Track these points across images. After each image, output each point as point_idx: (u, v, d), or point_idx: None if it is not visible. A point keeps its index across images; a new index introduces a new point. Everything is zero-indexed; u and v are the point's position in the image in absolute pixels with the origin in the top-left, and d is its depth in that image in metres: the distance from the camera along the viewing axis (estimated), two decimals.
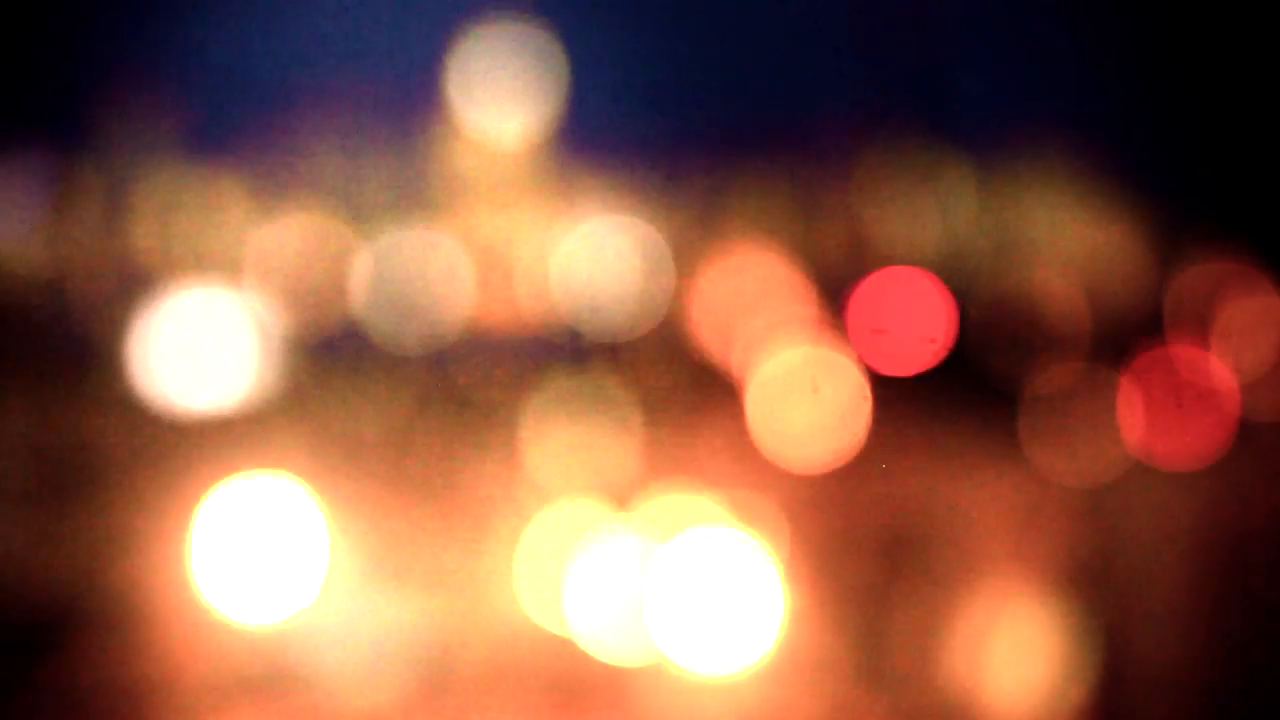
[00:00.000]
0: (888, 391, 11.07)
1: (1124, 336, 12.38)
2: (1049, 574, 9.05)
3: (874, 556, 9.57)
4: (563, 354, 12.20)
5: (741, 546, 9.78)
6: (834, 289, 12.93)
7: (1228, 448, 10.30)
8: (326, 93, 13.36)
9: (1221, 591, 8.44)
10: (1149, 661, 8.17)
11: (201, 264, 12.43)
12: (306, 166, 13.29)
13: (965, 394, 11.84)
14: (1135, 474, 9.94)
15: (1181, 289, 13.15)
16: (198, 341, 11.54)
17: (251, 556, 9.92)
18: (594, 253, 13.21)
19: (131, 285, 12.11)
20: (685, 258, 13.41)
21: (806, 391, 11.14)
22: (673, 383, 12.08)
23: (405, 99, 13.54)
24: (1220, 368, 11.71)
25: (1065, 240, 14.23)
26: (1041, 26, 14.10)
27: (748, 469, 10.54)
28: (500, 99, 13.68)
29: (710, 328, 12.55)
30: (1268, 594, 8.33)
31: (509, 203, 13.52)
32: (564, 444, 11.09)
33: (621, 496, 10.52)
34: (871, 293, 11.54)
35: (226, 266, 12.47)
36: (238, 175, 13.03)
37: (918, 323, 11.25)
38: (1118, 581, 8.58)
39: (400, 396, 11.60)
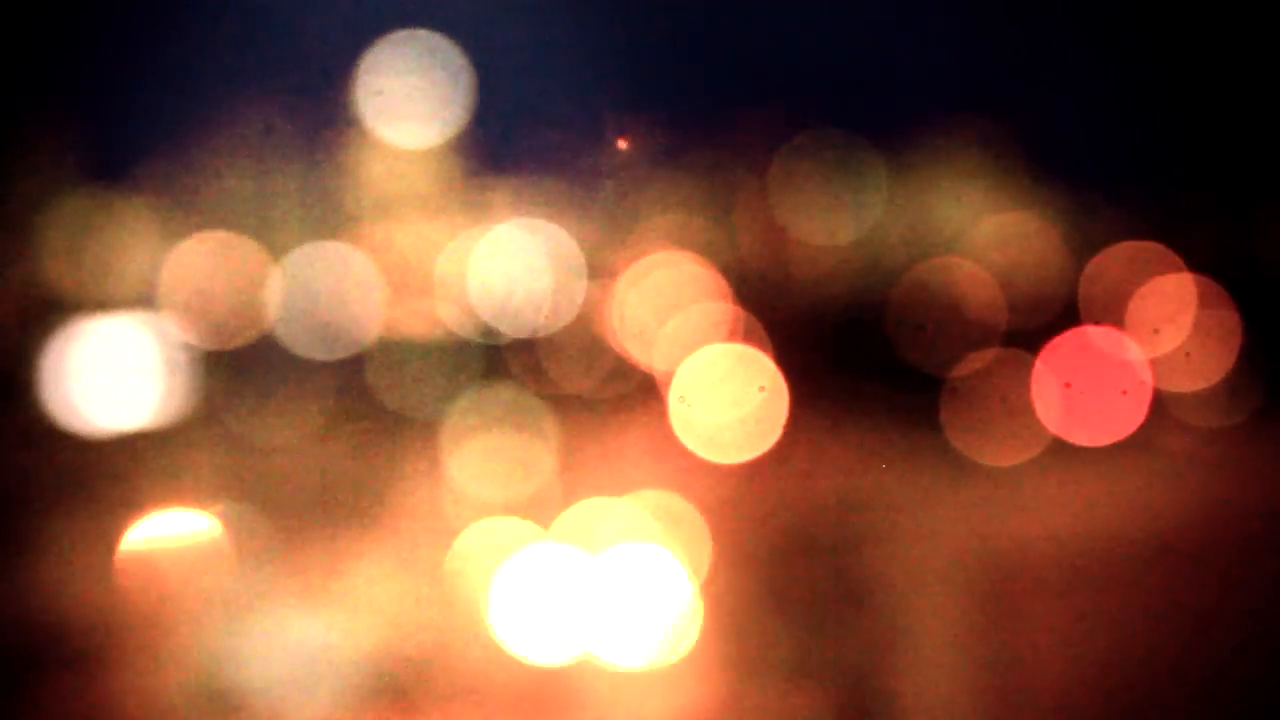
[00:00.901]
0: (806, 384, 11.08)
1: (1039, 320, 12.42)
2: (969, 557, 9.07)
3: (798, 551, 9.57)
4: (479, 358, 12.18)
5: (658, 553, 9.77)
6: (747, 285, 12.94)
7: (1141, 422, 10.36)
8: (235, 107, 13.30)
9: (1142, 562, 8.50)
10: (1068, 641, 8.20)
11: (112, 286, 12.36)
12: (215, 182, 13.23)
13: (885, 383, 11.87)
14: (1052, 452, 9.97)
15: (1094, 272, 13.22)
16: (111, 364, 11.46)
17: (174, 579, 9.86)
18: (507, 256, 13.19)
19: (42, 310, 12.02)
20: (600, 259, 13.40)
21: (716, 391, 11.14)
22: (590, 384, 12.06)
23: (313, 110, 13.49)
24: (1133, 346, 11.77)
25: (979, 226, 14.27)
26: (952, 12, 14.15)
27: (668, 468, 10.53)
28: (409, 107, 13.64)
29: (626, 328, 12.54)
30: (1187, 565, 8.39)
31: (421, 210, 13.49)
32: (484, 451, 11.06)
33: (543, 504, 10.50)
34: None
35: (138, 288, 12.39)
36: (146, 195, 12.95)
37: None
38: (1035, 561, 8.62)
39: (317, 407, 11.55)
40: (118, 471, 10.60)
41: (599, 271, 13.26)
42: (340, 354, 12.16)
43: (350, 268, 12.92)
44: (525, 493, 10.62)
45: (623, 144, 13.84)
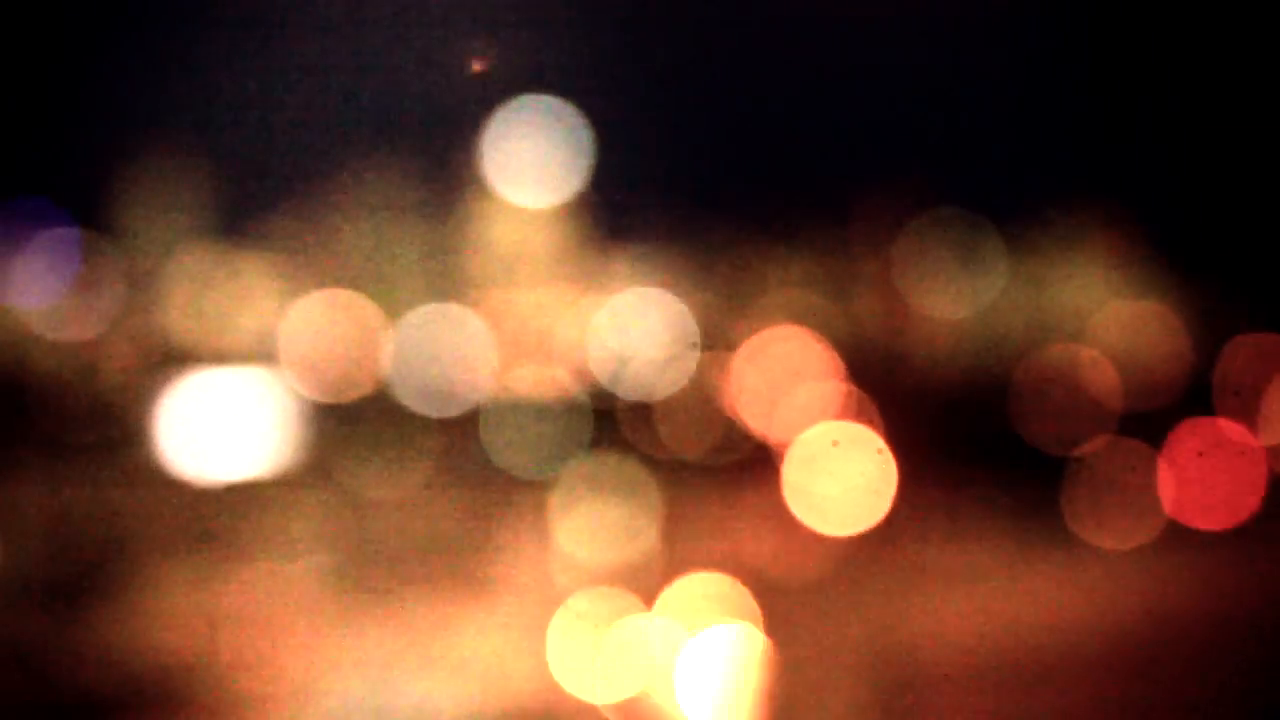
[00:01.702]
0: (915, 461, 11.02)
1: (1165, 407, 12.33)
2: (1095, 640, 8.97)
3: (917, 629, 9.47)
4: (592, 421, 12.17)
5: (750, 633, 9.70)
6: (865, 362, 12.88)
7: (1260, 508, 10.33)
8: (359, 167, 13.40)
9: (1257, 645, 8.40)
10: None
11: (231, 338, 12.45)
12: (337, 238, 13.31)
13: (1008, 464, 11.78)
14: (1172, 535, 9.93)
15: (1220, 360, 13.10)
16: (226, 415, 11.53)
17: (277, 630, 9.87)
18: (625, 323, 13.19)
19: (162, 361, 12.12)
20: (717, 329, 13.39)
21: (835, 463, 11.08)
22: (700, 452, 12.03)
23: (437, 170, 13.56)
24: (1255, 435, 11.72)
25: (1103, 312, 14.17)
26: (1077, 98, 14.08)
27: (775, 539, 10.49)
28: (532, 171, 13.69)
29: (743, 399, 12.51)
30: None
31: (539, 273, 13.51)
32: (593, 518, 11.05)
33: (648, 577, 10.47)
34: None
35: (257, 341, 12.48)
36: (268, 249, 13.05)
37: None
38: (1155, 642, 8.52)
39: (429, 464, 11.56)
40: (228, 520, 10.65)
41: (716, 342, 13.24)
42: (453, 412, 12.18)
43: (466, 327, 12.96)
44: (631, 560, 10.58)
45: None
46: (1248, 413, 12.12)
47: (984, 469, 11.50)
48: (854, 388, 12.36)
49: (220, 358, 12.13)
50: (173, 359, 12.05)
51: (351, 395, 12.10)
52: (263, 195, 13.13)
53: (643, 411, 12.31)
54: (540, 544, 10.74)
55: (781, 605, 9.58)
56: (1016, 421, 12.21)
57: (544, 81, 13.59)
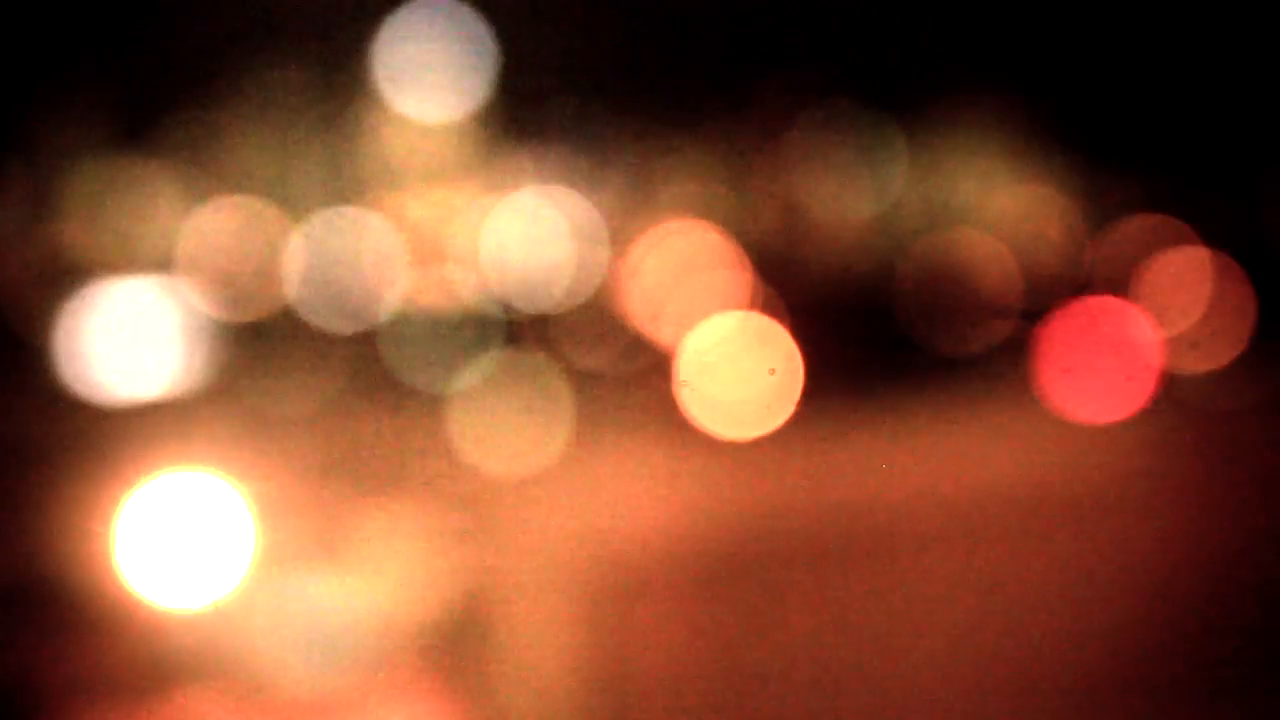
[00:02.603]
0: (817, 360, 11.11)
1: (1050, 294, 12.46)
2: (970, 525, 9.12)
3: (808, 527, 9.60)
4: (496, 329, 12.24)
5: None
6: (766, 258, 12.99)
7: (1150, 399, 10.44)
8: (255, 76, 13.35)
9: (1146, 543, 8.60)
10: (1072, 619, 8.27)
11: (130, 253, 12.43)
12: (234, 150, 13.29)
13: (896, 357, 11.92)
14: (1057, 429, 10.04)
15: (1106, 245, 13.24)
16: (127, 330, 11.54)
17: (181, 545, 9.92)
18: (526, 226, 13.24)
19: (60, 276, 12.10)
20: (619, 230, 13.45)
21: (749, 366, 11.17)
22: (605, 356, 12.13)
23: (333, 79, 13.54)
24: (1143, 321, 11.80)
25: (991, 201, 14.31)
26: None
27: (678, 441, 10.57)
28: (428, 77, 13.68)
29: (644, 300, 12.58)
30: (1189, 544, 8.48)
31: (440, 180, 13.54)
32: (496, 421, 11.14)
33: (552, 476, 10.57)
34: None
35: (157, 255, 12.46)
36: (165, 160, 13.02)
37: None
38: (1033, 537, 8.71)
39: (333, 377, 11.62)
40: (129, 439, 10.67)
41: (616, 239, 13.30)
42: (357, 323, 12.23)
43: (368, 237, 12.99)
44: (535, 465, 10.70)
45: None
46: (1137, 300, 12.23)
47: (880, 365, 11.64)
48: (755, 281, 12.46)
49: (115, 272, 12.12)
50: (69, 274, 12.03)
51: (249, 310, 12.13)
52: (155, 104, 13.09)
53: (547, 318, 12.40)
54: (446, 453, 10.83)
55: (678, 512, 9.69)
56: (913, 314, 12.35)
57: None
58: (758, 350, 11.61)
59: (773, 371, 10.86)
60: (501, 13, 13.72)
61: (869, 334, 12.18)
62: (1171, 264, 12.63)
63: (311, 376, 11.50)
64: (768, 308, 12.12)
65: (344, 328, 12.11)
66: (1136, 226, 13.20)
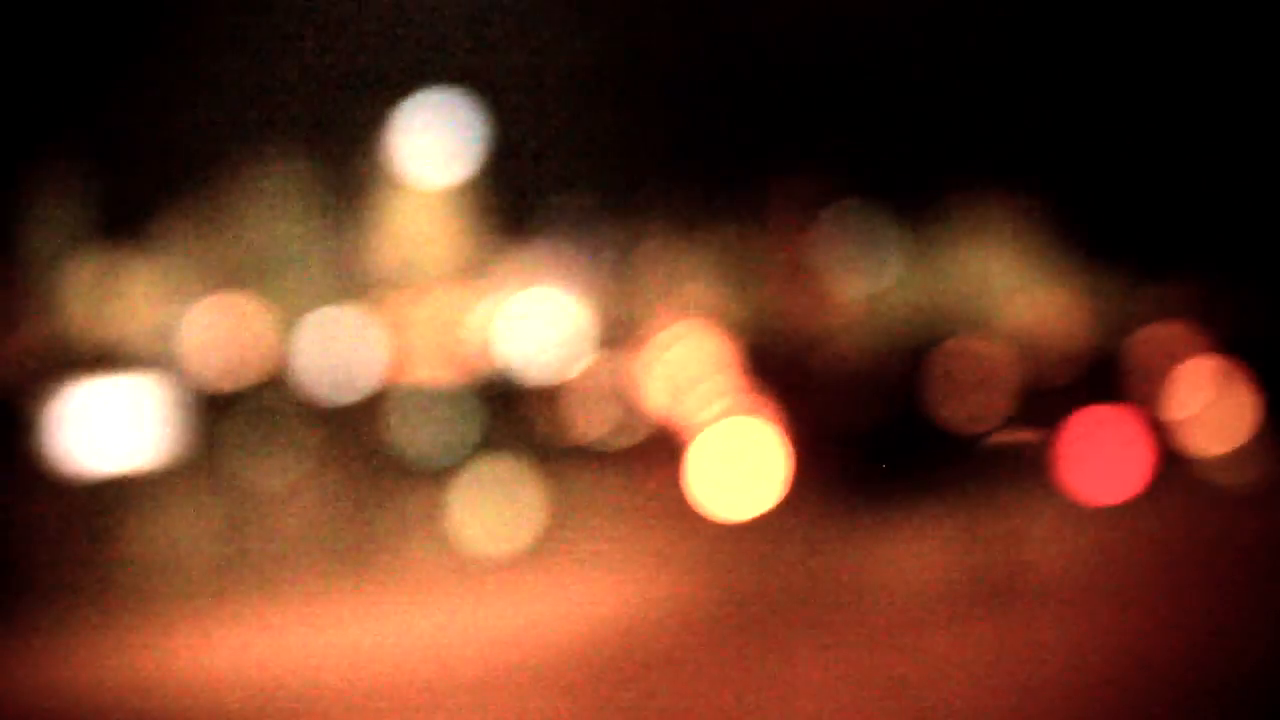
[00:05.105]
0: (812, 450, 11.00)
1: (1064, 391, 12.40)
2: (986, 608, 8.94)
3: (801, 611, 9.39)
4: (491, 403, 12.15)
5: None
6: (764, 352, 12.86)
7: (1153, 482, 10.59)
8: (256, 157, 13.32)
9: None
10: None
11: (125, 335, 12.36)
12: (237, 236, 13.24)
13: (912, 446, 11.83)
14: (1067, 512, 10.11)
15: (1123, 347, 13.18)
16: (119, 410, 11.43)
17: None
18: (525, 313, 13.16)
19: (55, 360, 12.02)
20: (616, 319, 13.37)
21: (723, 451, 11.08)
22: (598, 435, 12.01)
23: (336, 165, 13.48)
24: (1149, 415, 11.95)
25: (1008, 298, 14.19)
26: (986, 91, 14.07)
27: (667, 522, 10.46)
28: (432, 166, 13.61)
29: (642, 385, 12.49)
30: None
31: (442, 266, 13.45)
32: (488, 493, 11.02)
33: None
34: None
35: (151, 336, 12.40)
36: (162, 246, 13.01)
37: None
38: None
39: (321, 449, 11.51)
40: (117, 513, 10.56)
41: (617, 334, 13.23)
42: (352, 400, 12.13)
43: (371, 324, 12.89)
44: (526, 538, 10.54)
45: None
46: (1143, 396, 12.30)
47: (891, 451, 11.51)
48: (753, 376, 12.34)
49: (126, 359, 12.05)
50: (74, 361, 11.95)
51: (257, 390, 12.05)
52: (157, 193, 13.05)
53: (540, 401, 12.31)
54: (437, 526, 10.70)
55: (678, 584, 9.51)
56: (924, 405, 12.23)
57: (443, 79, 13.53)
58: (754, 435, 11.47)
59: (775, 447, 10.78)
60: (512, 111, 13.70)
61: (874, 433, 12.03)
62: (1176, 358, 12.74)
63: (299, 449, 11.37)
64: (763, 403, 11.98)
65: (337, 401, 12.04)
66: (1146, 326, 13.28)
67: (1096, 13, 13.80)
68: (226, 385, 12.01)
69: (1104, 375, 12.49)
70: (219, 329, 12.58)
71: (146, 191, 12.99)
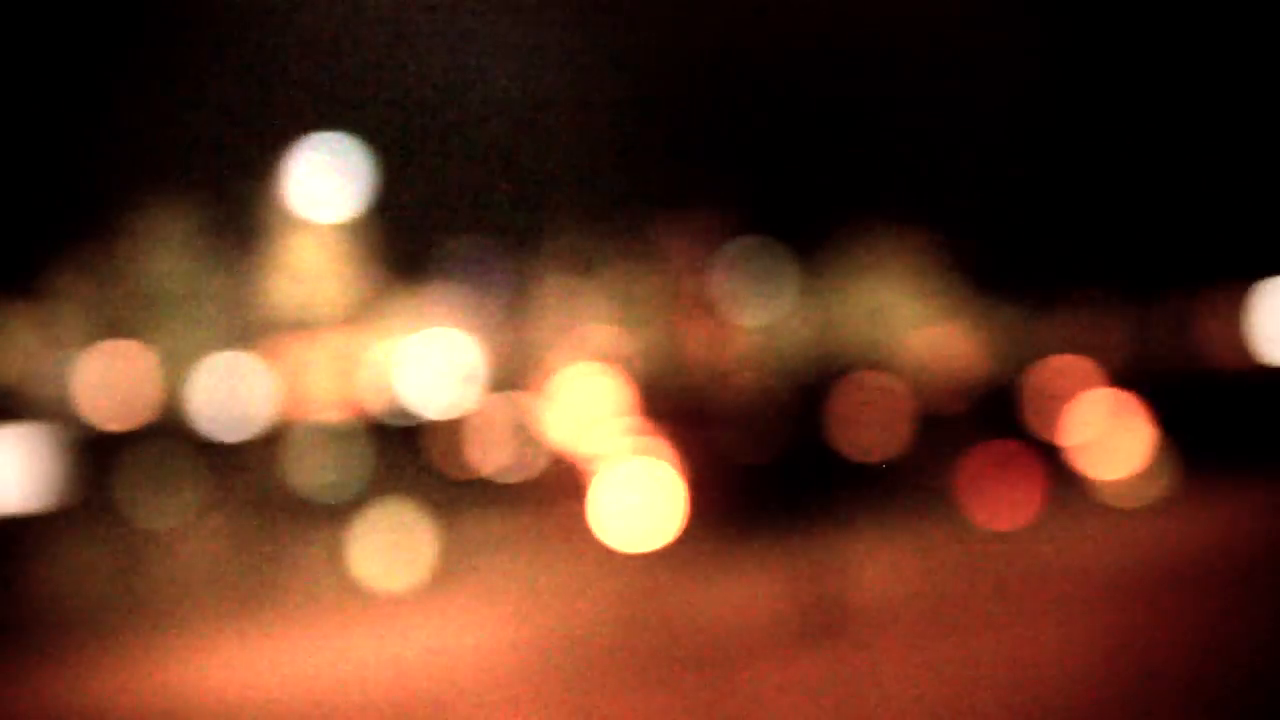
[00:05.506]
0: (707, 486, 11.02)
1: (961, 421, 12.50)
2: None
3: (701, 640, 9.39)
4: (387, 440, 12.11)
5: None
6: (661, 386, 12.88)
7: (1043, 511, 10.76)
8: (148, 199, 13.23)
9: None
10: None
11: (16, 382, 12.26)
12: (128, 269, 13.15)
13: (811, 477, 11.85)
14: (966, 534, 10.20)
15: (1019, 378, 13.28)
16: (11, 456, 11.32)
17: None
18: (421, 351, 13.12)
19: None
20: (514, 356, 13.35)
21: (643, 481, 11.06)
22: (493, 470, 11.98)
23: (230, 207, 13.40)
24: (1045, 443, 12.09)
25: (904, 331, 14.27)
26: (881, 127, 14.15)
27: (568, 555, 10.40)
28: (327, 207, 13.55)
29: (541, 421, 12.48)
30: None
31: (337, 304, 13.40)
32: (385, 528, 10.96)
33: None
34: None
35: (43, 382, 12.30)
36: (53, 294, 12.90)
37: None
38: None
39: (218, 486, 11.42)
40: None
41: (515, 371, 13.22)
42: (246, 437, 12.07)
43: (260, 360, 12.82)
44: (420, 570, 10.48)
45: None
46: (1039, 425, 12.43)
47: (790, 482, 11.54)
48: (650, 410, 12.34)
49: (17, 406, 11.94)
50: None
51: (150, 431, 11.96)
52: (55, 240, 12.95)
53: (437, 437, 12.27)
54: (331, 561, 10.62)
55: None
56: (822, 437, 12.28)
57: (337, 120, 13.49)
58: (651, 469, 11.46)
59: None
60: (407, 151, 13.67)
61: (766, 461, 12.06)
62: (1071, 388, 12.88)
63: (194, 488, 11.29)
64: (659, 434, 11.98)
65: (231, 439, 11.97)
66: (1042, 357, 13.42)
67: (987, 49, 13.90)
68: (119, 427, 11.91)
69: (1000, 405, 12.59)
70: (111, 372, 12.49)
71: (37, 237, 12.87)
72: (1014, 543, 10.18)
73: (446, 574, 10.57)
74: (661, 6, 13.48)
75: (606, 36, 13.74)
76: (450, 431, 12.37)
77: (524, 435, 12.33)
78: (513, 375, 13.05)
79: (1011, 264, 14.15)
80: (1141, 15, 13.43)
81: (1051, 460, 11.80)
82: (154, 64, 12.79)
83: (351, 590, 10.41)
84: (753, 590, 9.64)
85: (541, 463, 11.95)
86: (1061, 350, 13.57)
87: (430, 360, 13.14)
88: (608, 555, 10.47)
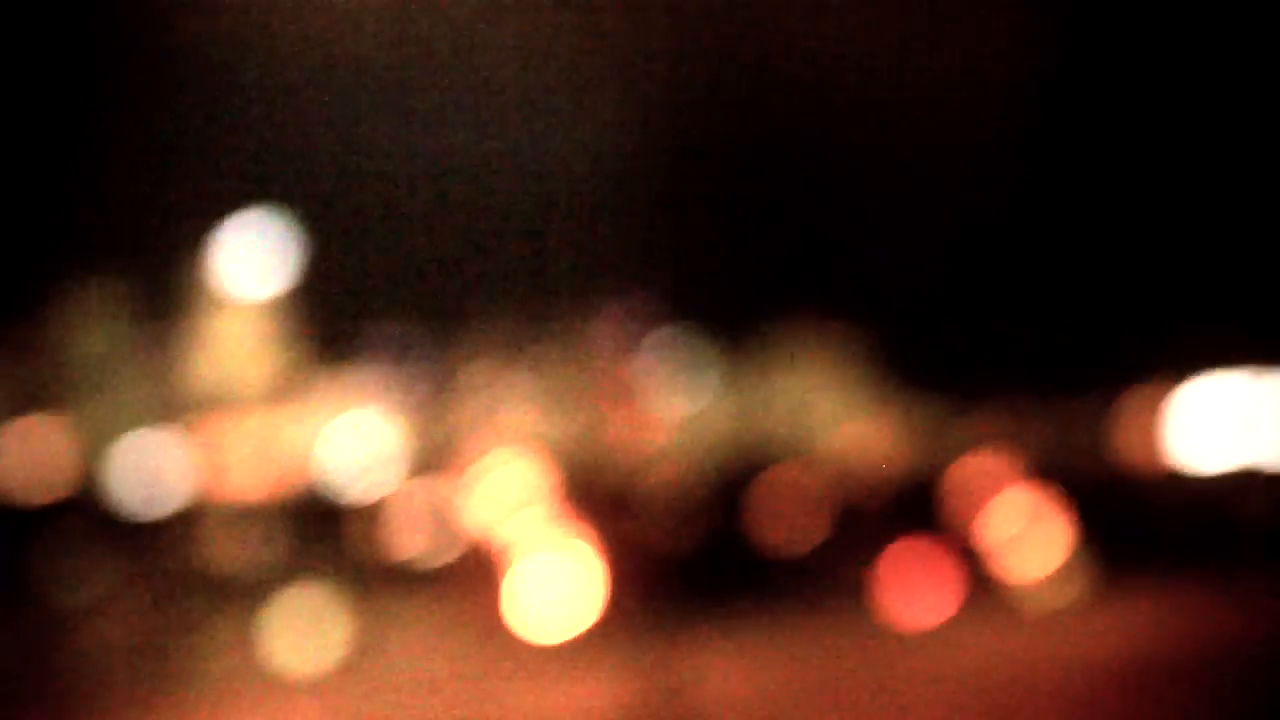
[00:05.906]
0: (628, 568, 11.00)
1: (879, 516, 12.52)
2: None
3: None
4: (306, 521, 12.08)
5: None
6: (583, 474, 12.89)
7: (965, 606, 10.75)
8: (71, 276, 13.20)
9: None
10: None
11: None
12: (49, 346, 13.11)
13: (728, 568, 11.88)
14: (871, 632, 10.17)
15: (938, 474, 13.32)
16: None
17: None
18: (342, 433, 13.11)
19: None
20: (435, 441, 13.35)
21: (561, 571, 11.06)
22: (413, 553, 11.95)
23: (153, 284, 13.36)
24: (962, 541, 12.10)
25: (826, 424, 14.33)
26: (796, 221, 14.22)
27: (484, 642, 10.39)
28: (251, 286, 13.53)
29: (460, 506, 12.46)
30: None
31: (258, 383, 13.37)
32: (301, 609, 10.92)
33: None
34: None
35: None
36: None
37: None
38: None
39: (129, 564, 11.36)
40: None
41: (436, 456, 13.21)
42: (162, 516, 12.02)
43: (180, 438, 12.77)
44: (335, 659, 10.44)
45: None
46: (956, 522, 12.45)
47: (708, 574, 11.55)
48: (571, 498, 12.35)
49: None
50: None
51: (65, 507, 11.91)
52: None
53: (356, 520, 12.25)
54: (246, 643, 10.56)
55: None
56: (742, 529, 12.31)
57: (266, 202, 13.48)
58: (570, 557, 11.45)
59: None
60: (331, 231, 13.67)
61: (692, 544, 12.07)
62: (990, 485, 12.92)
63: (107, 564, 11.21)
64: (581, 525, 11.98)
65: (147, 517, 11.92)
66: (962, 454, 13.47)
67: (911, 143, 14.01)
68: (35, 502, 11.86)
69: (919, 501, 12.63)
70: (28, 447, 12.46)
71: None
72: (918, 644, 10.20)
73: (358, 658, 10.53)
74: (592, 96, 13.55)
75: (534, 124, 13.80)
76: (369, 514, 12.36)
77: (442, 520, 12.33)
78: (434, 459, 13.04)
79: (933, 360, 14.23)
80: (1054, 132, 13.58)
81: (967, 559, 11.83)
82: (79, 138, 12.77)
83: (260, 673, 10.36)
84: (619, 688, 9.64)
85: (459, 548, 11.95)
86: (981, 447, 13.62)
87: (351, 442, 13.13)
88: (514, 646, 10.46)
